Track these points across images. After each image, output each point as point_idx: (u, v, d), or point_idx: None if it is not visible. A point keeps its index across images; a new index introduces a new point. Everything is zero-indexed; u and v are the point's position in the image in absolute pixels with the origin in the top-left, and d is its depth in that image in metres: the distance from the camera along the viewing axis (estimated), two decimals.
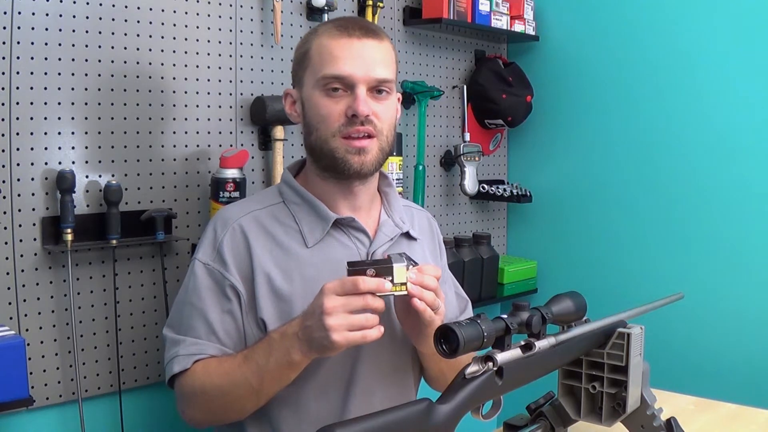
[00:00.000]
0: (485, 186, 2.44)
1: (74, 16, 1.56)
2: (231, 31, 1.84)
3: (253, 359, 1.23)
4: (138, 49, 1.67)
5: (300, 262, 1.33)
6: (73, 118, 1.58)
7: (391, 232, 1.42)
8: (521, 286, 2.56)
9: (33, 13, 1.50)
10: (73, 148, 1.58)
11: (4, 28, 1.47)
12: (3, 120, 1.48)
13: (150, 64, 1.69)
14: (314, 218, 1.36)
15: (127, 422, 1.68)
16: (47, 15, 1.52)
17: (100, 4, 1.60)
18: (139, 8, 1.66)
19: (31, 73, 1.51)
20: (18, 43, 1.48)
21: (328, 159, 1.33)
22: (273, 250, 1.34)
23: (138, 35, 1.66)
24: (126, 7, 1.64)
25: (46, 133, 1.54)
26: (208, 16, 1.79)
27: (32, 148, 1.52)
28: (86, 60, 1.58)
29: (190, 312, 1.33)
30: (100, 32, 1.60)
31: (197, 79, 1.77)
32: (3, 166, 1.49)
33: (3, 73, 1.47)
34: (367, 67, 1.30)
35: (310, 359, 1.20)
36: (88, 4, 1.58)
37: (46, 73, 1.53)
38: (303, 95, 1.37)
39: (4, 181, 1.49)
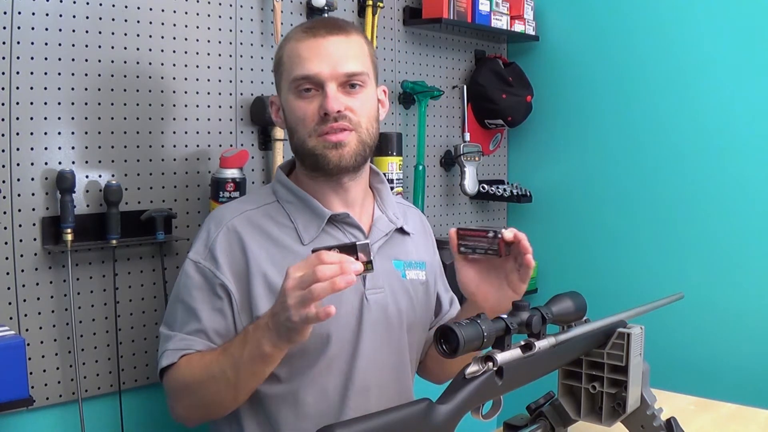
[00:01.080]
0: (485, 186, 2.44)
1: (74, 16, 1.56)
2: (231, 31, 1.84)
3: (229, 352, 1.24)
4: (138, 49, 1.67)
5: (296, 258, 1.33)
6: (73, 118, 1.58)
7: (385, 227, 1.43)
8: None
9: (33, 13, 1.50)
10: (73, 148, 1.58)
11: (4, 28, 1.47)
12: (3, 120, 1.48)
13: (150, 64, 1.69)
14: (309, 216, 1.37)
15: (127, 422, 1.68)
16: (47, 15, 1.52)
17: (100, 4, 1.60)
18: (139, 8, 1.66)
19: (31, 73, 1.51)
20: (18, 43, 1.48)
21: (310, 158, 1.35)
22: (269, 249, 1.34)
23: (138, 35, 1.66)
24: (126, 7, 1.64)
25: (46, 133, 1.54)
26: (208, 16, 1.79)
27: (32, 148, 1.52)
28: (86, 60, 1.58)
29: (181, 309, 1.34)
30: (100, 32, 1.60)
31: (197, 79, 1.77)
32: (3, 166, 1.49)
33: (3, 73, 1.47)
34: (334, 64, 1.32)
35: (281, 351, 1.19)
36: (88, 4, 1.58)
37: (46, 73, 1.53)
38: (282, 101, 1.39)
39: (4, 181, 1.49)
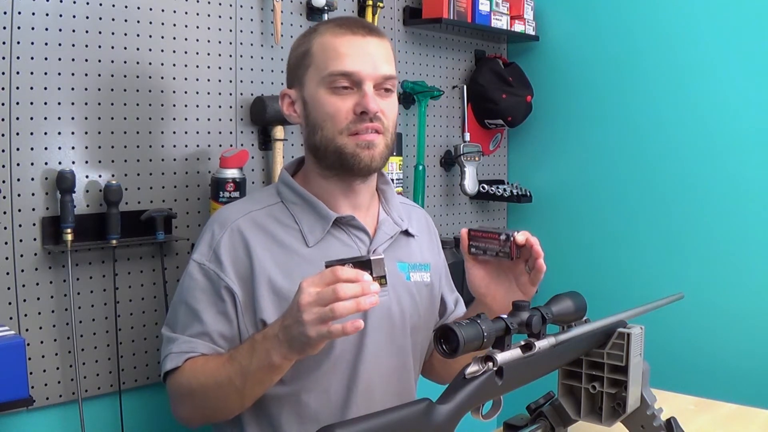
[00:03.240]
0: (485, 186, 2.44)
1: (74, 16, 1.56)
2: (231, 31, 1.84)
3: (236, 360, 1.23)
4: (138, 49, 1.67)
5: (301, 261, 1.33)
6: (73, 118, 1.58)
7: (390, 230, 1.43)
8: None
9: (33, 13, 1.50)
10: (73, 148, 1.58)
11: (4, 28, 1.47)
12: (3, 120, 1.48)
13: (150, 64, 1.69)
14: (314, 218, 1.36)
15: (127, 422, 1.68)
16: (47, 15, 1.52)
17: (100, 4, 1.60)
18: (139, 8, 1.66)
19: (31, 73, 1.51)
20: (18, 43, 1.48)
21: (334, 157, 1.32)
22: (273, 250, 1.34)
23: (138, 35, 1.66)
24: (126, 7, 1.64)
25: (46, 133, 1.54)
26: (208, 16, 1.79)
27: (32, 148, 1.52)
28: (86, 60, 1.58)
29: (184, 311, 1.34)
30: (100, 32, 1.60)
31: (197, 79, 1.77)
32: (3, 166, 1.49)
33: (3, 73, 1.47)
34: (374, 64, 1.30)
35: (290, 362, 1.18)
36: (88, 4, 1.58)
37: (46, 73, 1.53)
38: (305, 94, 1.36)
39: (4, 181, 1.49)
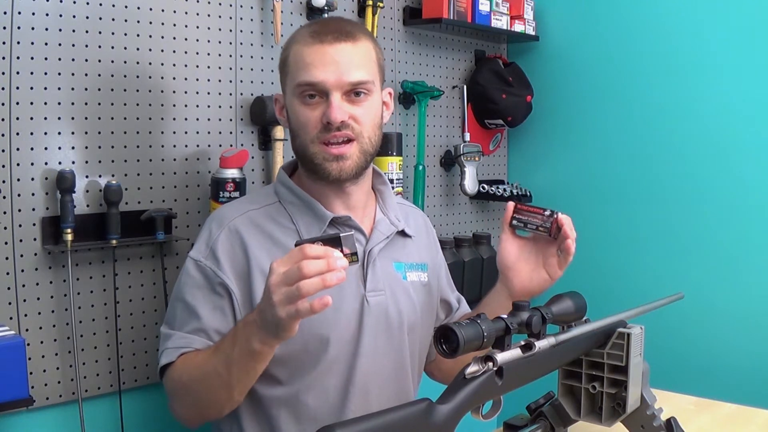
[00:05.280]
0: (485, 186, 2.44)
1: (74, 16, 1.56)
2: (231, 31, 1.84)
3: (221, 350, 1.24)
4: (138, 49, 1.67)
5: None
6: (73, 118, 1.58)
7: (387, 230, 1.43)
8: None
9: (33, 13, 1.50)
10: (73, 148, 1.58)
11: (4, 28, 1.47)
12: (3, 120, 1.48)
13: (150, 64, 1.69)
14: (311, 217, 1.37)
15: (127, 422, 1.68)
16: (47, 15, 1.52)
17: (100, 4, 1.60)
18: (138, 8, 1.66)
19: (31, 73, 1.51)
20: (18, 43, 1.48)
21: (310, 164, 1.35)
22: (270, 249, 1.34)
23: (138, 35, 1.66)
24: (126, 7, 1.64)
25: (46, 133, 1.54)
26: (208, 16, 1.79)
27: (32, 148, 1.52)
28: (86, 60, 1.58)
29: (182, 308, 1.34)
30: (99, 32, 1.60)
31: (197, 79, 1.77)
32: (3, 166, 1.49)
33: (3, 73, 1.47)
34: (340, 72, 1.30)
35: (271, 348, 1.17)
36: (88, 4, 1.58)
37: (46, 73, 1.53)
38: (286, 101, 1.39)
39: (4, 181, 1.49)
